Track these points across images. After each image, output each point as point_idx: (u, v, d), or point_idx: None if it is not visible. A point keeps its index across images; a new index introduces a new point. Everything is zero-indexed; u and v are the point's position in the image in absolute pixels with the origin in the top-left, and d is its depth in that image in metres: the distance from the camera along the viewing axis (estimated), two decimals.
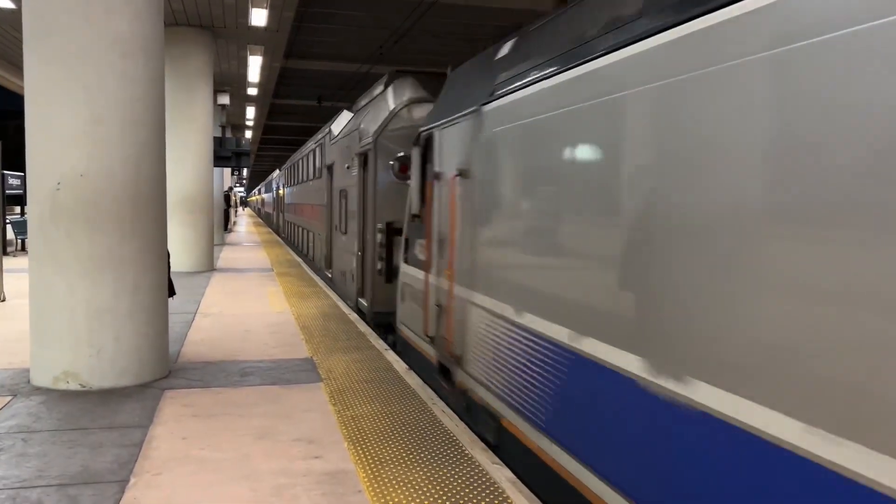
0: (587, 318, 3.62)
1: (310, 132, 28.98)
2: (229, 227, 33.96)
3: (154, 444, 4.53)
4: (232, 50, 16.77)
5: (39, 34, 5.63)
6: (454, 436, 4.79)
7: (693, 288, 2.80)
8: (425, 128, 6.74)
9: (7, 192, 18.65)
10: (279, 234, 31.04)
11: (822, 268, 2.19)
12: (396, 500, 3.78)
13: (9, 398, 5.42)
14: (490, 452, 4.53)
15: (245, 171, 62.37)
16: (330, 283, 13.55)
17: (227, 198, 32.64)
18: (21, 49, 5.79)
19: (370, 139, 9.36)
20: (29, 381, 5.83)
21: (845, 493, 2.08)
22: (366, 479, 4.02)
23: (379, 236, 9.13)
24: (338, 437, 4.70)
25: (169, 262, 6.53)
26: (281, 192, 29.91)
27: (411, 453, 4.45)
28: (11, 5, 12.40)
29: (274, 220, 37.98)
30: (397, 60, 17.79)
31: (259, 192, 74.83)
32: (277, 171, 36.39)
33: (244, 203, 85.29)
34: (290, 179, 24.22)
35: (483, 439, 4.87)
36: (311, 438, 4.67)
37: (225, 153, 20.75)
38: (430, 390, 5.93)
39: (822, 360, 2.19)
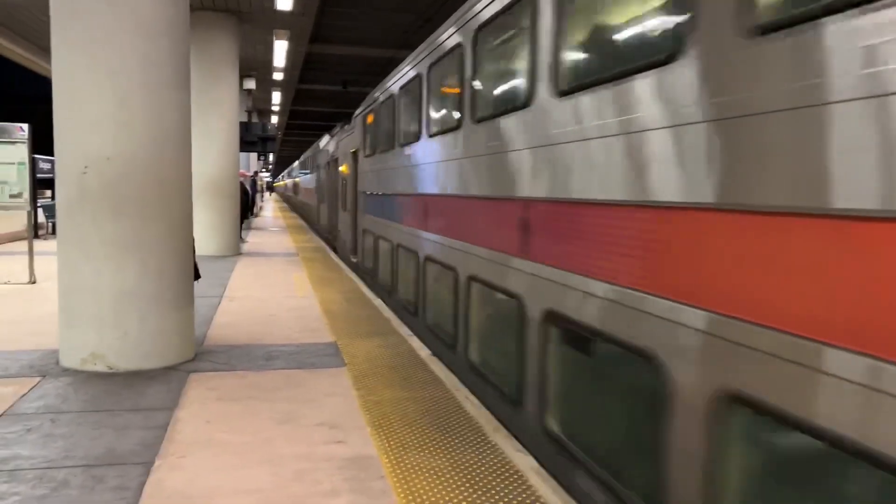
0: None
1: (336, 118, 27.48)
2: (256, 211, 34.05)
3: (178, 426, 4.55)
4: (258, 34, 16.76)
5: (65, 18, 5.64)
6: (477, 422, 4.75)
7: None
8: None
9: (38, 175, 18.90)
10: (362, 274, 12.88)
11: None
12: (419, 486, 3.75)
13: (38, 379, 5.49)
14: (514, 440, 4.48)
15: (271, 157, 62.65)
16: None
17: (252, 182, 31.48)
18: (49, 33, 5.81)
19: None
20: (58, 363, 5.90)
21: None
22: (388, 465, 4.00)
23: None
24: (360, 423, 4.69)
25: (194, 247, 6.55)
26: (365, 166, 12.38)
27: (434, 439, 4.42)
28: None
29: (321, 221, 22.21)
30: None
31: (290, 175, 55.75)
32: (354, 119, 14.45)
33: (270, 188, 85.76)
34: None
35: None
36: (333, 423, 4.66)
37: (251, 138, 20.81)
38: (453, 377, 5.89)
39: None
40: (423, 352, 6.70)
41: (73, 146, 5.70)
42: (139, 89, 5.70)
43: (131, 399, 5.08)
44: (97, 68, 5.59)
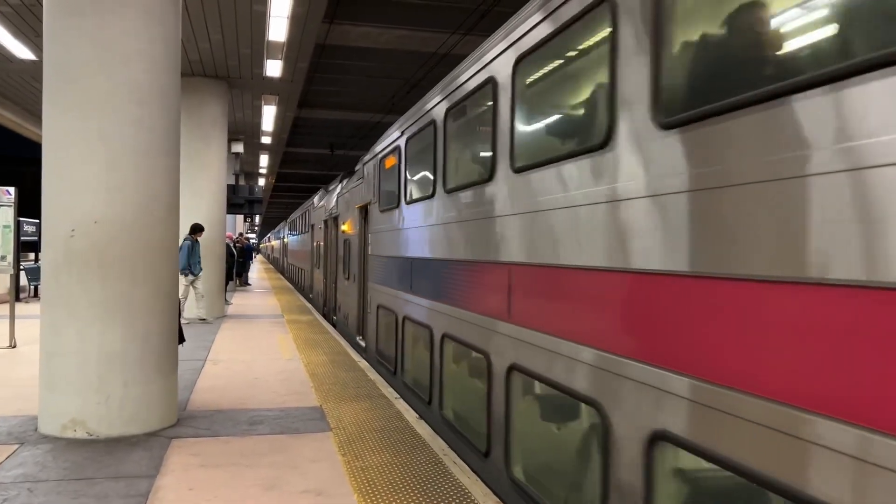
0: None
1: (322, 180, 27.75)
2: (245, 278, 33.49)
3: (160, 494, 4.44)
4: (246, 99, 17.04)
5: (58, 83, 5.73)
6: (466, 489, 4.67)
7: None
8: None
9: (21, 238, 18.80)
10: None
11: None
12: None
13: (16, 446, 5.36)
14: None
15: (257, 218, 62.88)
16: None
17: (248, 247, 29.79)
18: (39, 98, 5.89)
19: None
20: (37, 429, 5.77)
21: None
22: None
23: None
24: (346, 489, 4.60)
25: (179, 310, 6.51)
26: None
27: None
28: (33, 57, 12.71)
29: None
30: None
31: (287, 232, 40.14)
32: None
33: (256, 250, 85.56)
34: None
35: None
36: (319, 490, 4.57)
37: (238, 200, 20.98)
38: (441, 441, 5.81)
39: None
40: (410, 415, 6.62)
41: (60, 209, 5.71)
42: (130, 153, 5.76)
43: (112, 466, 4.96)
44: (89, 132, 5.66)
